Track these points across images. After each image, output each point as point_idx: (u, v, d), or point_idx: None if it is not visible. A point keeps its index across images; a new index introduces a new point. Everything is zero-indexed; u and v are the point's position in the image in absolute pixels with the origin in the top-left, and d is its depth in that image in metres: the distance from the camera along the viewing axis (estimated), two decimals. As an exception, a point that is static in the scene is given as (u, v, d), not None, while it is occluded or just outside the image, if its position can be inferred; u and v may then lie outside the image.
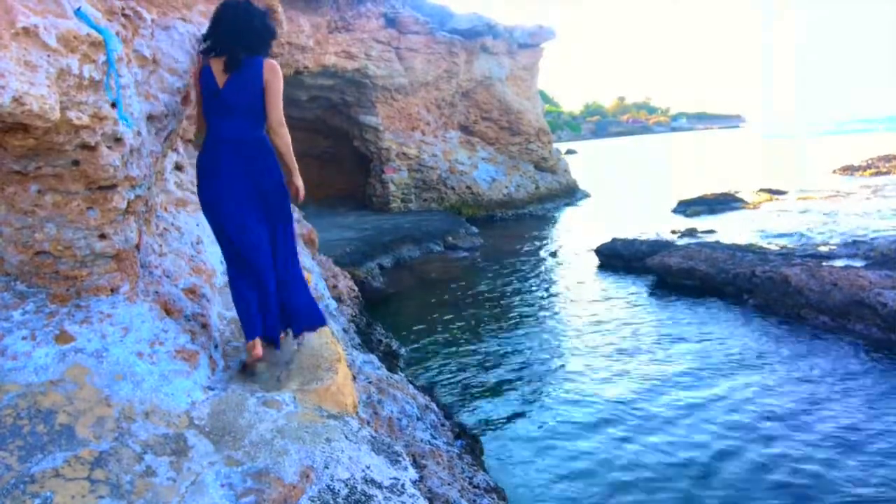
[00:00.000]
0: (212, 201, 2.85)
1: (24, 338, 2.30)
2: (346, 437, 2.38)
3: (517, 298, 9.22)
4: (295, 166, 2.94)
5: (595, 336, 7.31)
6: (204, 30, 2.95)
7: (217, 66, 2.79)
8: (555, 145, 22.20)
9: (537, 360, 6.66)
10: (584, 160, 45.05)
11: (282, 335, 3.12)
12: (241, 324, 2.95)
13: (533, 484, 4.27)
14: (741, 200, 17.67)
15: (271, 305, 2.95)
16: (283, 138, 2.82)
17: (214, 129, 2.83)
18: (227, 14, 2.80)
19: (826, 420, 4.88)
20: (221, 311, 3.46)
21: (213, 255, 4.15)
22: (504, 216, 17.96)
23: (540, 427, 5.11)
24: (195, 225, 4.30)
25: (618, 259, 10.81)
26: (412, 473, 2.37)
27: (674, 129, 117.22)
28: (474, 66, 18.69)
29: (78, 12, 2.15)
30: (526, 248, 13.13)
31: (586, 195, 21.78)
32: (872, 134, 65.81)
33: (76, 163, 2.31)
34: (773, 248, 11.00)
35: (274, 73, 2.78)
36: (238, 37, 2.76)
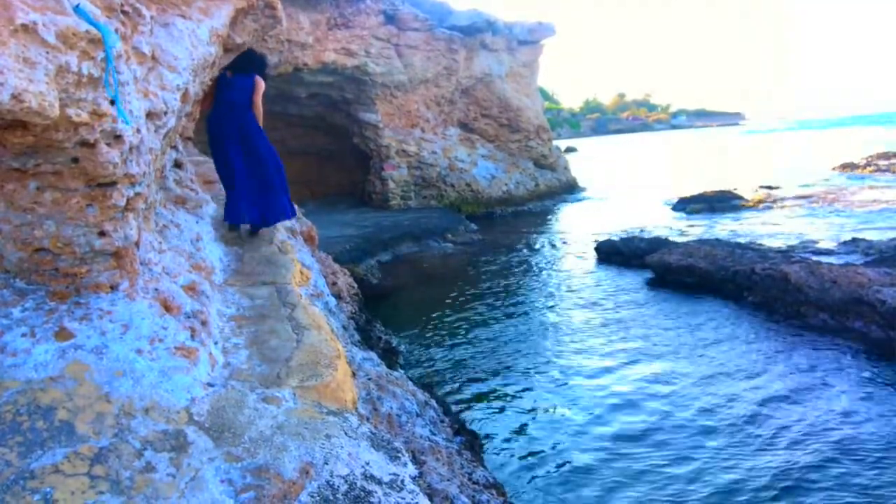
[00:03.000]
0: (216, 136, 4.93)
1: (23, 335, 2.31)
2: (346, 434, 2.39)
3: (516, 295, 9.23)
4: (261, 122, 5.00)
5: (594, 332, 7.32)
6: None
7: (230, 74, 4.99)
8: (554, 143, 22.18)
9: (536, 356, 6.67)
10: (583, 158, 45.02)
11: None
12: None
13: (532, 479, 4.29)
14: (740, 198, 17.66)
15: (248, 203, 4.82)
16: (258, 109, 4.97)
17: (223, 98, 4.90)
18: (246, 56, 5.23)
19: (823, 416, 4.89)
20: (221, 307, 3.46)
21: (212, 251, 4.15)
22: (503, 213, 17.95)
23: (539, 422, 5.13)
24: (195, 222, 4.30)
25: (617, 256, 10.82)
26: (411, 469, 2.38)
27: (673, 127, 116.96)
28: (474, 63, 18.66)
29: (77, 9, 2.15)
30: (525, 246, 13.13)
31: (586, 192, 21.77)
32: (865, 128, 65.65)
33: (75, 160, 2.31)
34: (773, 245, 11.01)
35: (260, 82, 4.99)
36: (250, 66, 5.08)
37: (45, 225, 2.42)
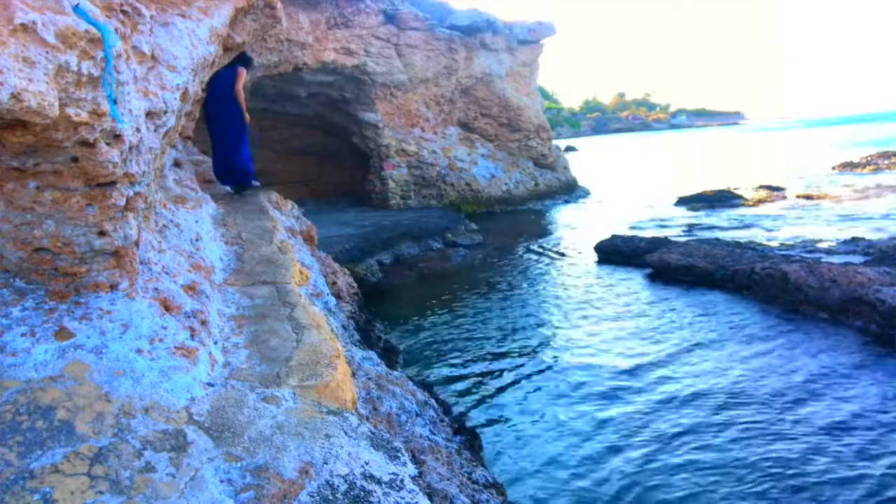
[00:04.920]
0: (209, 115, 6.67)
1: (23, 334, 2.31)
2: (346, 433, 2.39)
3: (517, 294, 9.23)
4: (244, 107, 6.64)
5: (596, 331, 7.32)
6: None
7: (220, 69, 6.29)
8: (554, 142, 22.16)
9: (536, 354, 6.67)
10: (583, 157, 45.04)
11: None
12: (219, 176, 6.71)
13: (532, 479, 4.29)
14: (740, 197, 17.68)
15: (232, 170, 6.65)
16: (239, 95, 6.52)
17: (213, 88, 6.45)
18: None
19: (822, 414, 4.90)
20: (221, 307, 3.46)
21: (211, 251, 4.15)
22: (503, 213, 17.95)
23: (539, 422, 5.13)
24: (194, 221, 4.30)
25: (617, 255, 10.82)
26: (411, 469, 2.38)
27: (673, 127, 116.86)
28: (474, 62, 18.65)
29: (76, 9, 2.15)
30: (525, 245, 13.14)
31: (586, 192, 21.77)
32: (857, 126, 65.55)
33: (75, 159, 2.32)
34: (773, 244, 11.02)
35: (241, 71, 6.54)
36: (234, 59, 6.50)
37: (44, 224, 2.42)
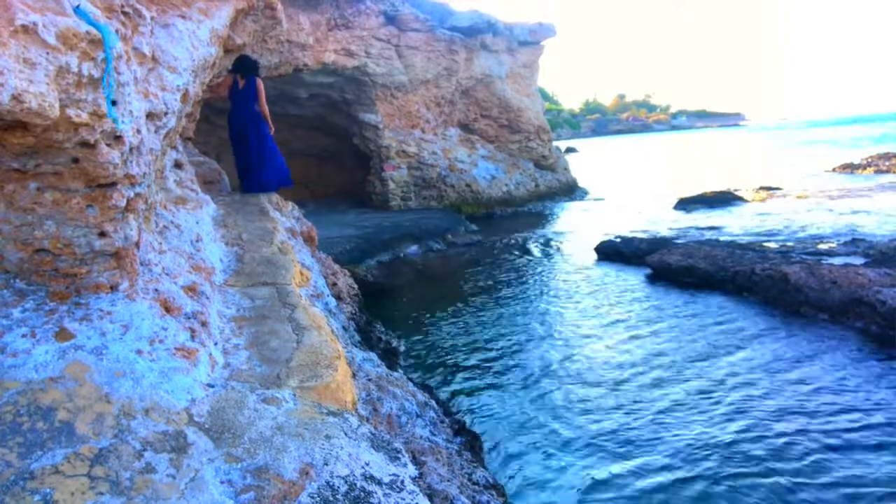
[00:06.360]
0: (233, 135, 7.19)
1: (23, 335, 2.31)
2: (346, 434, 2.39)
3: (517, 296, 9.23)
4: (269, 119, 7.20)
5: (597, 331, 7.32)
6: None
7: (239, 79, 7.03)
8: (554, 143, 22.17)
9: (538, 355, 6.67)
10: (584, 158, 45.05)
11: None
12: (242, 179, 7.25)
13: (532, 480, 4.28)
14: (741, 198, 17.69)
15: (253, 177, 7.09)
16: (264, 109, 7.06)
17: (235, 107, 7.07)
18: (244, 60, 7.02)
19: (821, 414, 4.89)
20: (221, 308, 3.46)
21: (212, 252, 4.16)
22: (504, 214, 17.95)
23: (540, 422, 5.12)
24: (195, 222, 4.30)
25: (617, 256, 10.82)
26: (411, 470, 2.38)
27: (674, 128, 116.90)
28: (474, 63, 18.66)
29: (77, 10, 2.15)
30: (525, 246, 13.14)
31: (586, 193, 21.77)
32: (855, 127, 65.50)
33: (76, 160, 2.32)
34: (773, 245, 11.01)
35: (261, 84, 7.01)
36: (248, 69, 7.01)
37: (45, 225, 2.42)
